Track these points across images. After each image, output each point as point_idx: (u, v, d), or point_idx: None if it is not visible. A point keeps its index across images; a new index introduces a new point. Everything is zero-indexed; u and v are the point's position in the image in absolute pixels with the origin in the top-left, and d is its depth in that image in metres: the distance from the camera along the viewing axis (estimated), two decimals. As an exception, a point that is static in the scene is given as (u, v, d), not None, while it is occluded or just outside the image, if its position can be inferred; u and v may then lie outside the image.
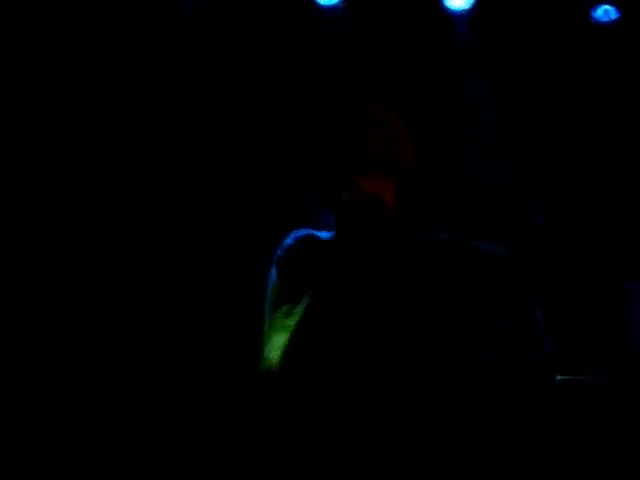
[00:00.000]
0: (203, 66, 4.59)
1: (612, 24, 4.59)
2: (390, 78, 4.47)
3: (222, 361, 4.34)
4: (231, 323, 4.33)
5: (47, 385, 4.31)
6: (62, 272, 4.44)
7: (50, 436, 4.26)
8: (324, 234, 2.07)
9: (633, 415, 3.89)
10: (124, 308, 4.44)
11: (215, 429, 4.29)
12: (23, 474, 4.17)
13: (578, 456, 3.72)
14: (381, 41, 4.57)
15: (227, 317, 4.36)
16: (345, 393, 1.90)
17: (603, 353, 4.29)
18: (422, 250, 2.00)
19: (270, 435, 1.96)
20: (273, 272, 2.04)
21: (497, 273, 2.02)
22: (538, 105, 4.68)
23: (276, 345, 1.91)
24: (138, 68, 4.56)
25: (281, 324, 1.94)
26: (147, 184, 4.58)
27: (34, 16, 4.37)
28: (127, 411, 4.34)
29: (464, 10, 4.51)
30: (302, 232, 2.07)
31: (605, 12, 4.60)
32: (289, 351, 1.87)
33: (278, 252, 2.05)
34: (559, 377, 4.10)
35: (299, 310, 1.90)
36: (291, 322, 1.90)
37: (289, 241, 2.06)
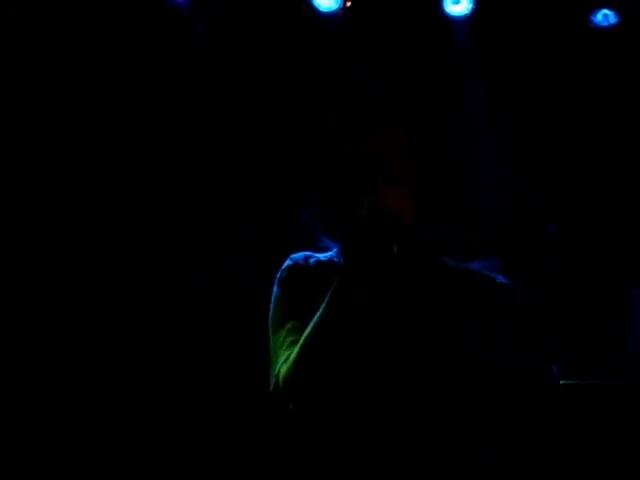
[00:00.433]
0: (205, 69, 4.61)
1: (611, 29, 4.61)
2: (390, 83, 4.48)
3: (222, 361, 4.35)
4: (231, 323, 4.33)
5: (47, 385, 4.32)
6: (61, 272, 4.45)
7: (49, 436, 4.27)
8: (323, 255, 2.04)
9: (633, 417, 3.89)
10: (124, 308, 4.45)
11: (214, 431, 4.28)
12: (23, 474, 4.17)
13: (578, 457, 3.72)
14: (381, 47, 4.59)
15: (227, 317, 4.36)
16: (354, 405, 1.89)
17: (605, 356, 4.29)
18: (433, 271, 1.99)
19: (282, 449, 1.96)
20: (275, 293, 2.02)
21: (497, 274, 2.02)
22: (538, 109, 4.69)
23: (282, 361, 1.89)
24: (138, 67, 4.58)
25: (287, 340, 1.91)
26: (146, 185, 4.60)
27: (34, 16, 4.39)
28: (127, 411, 4.34)
29: (464, 15, 4.53)
30: (302, 253, 2.05)
31: (604, 17, 4.61)
32: (299, 363, 1.84)
33: (278, 274, 2.03)
34: (562, 382, 4.11)
35: (305, 326, 1.85)
36: (298, 337, 1.87)
37: (289, 262, 2.04)
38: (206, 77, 4.61)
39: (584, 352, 4.25)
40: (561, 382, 4.03)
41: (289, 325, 1.94)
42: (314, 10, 4.50)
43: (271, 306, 2.01)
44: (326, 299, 1.83)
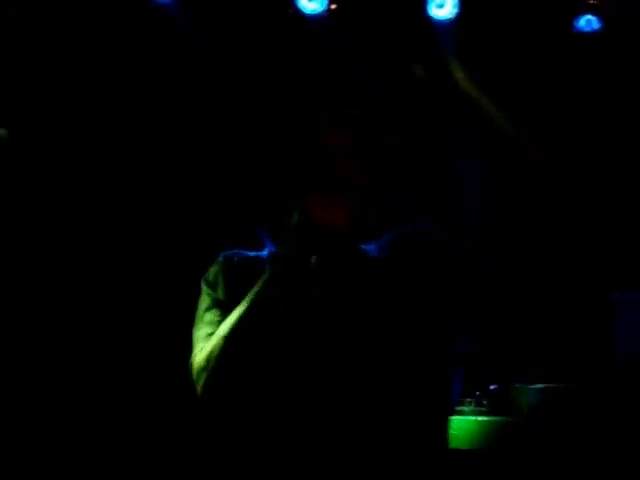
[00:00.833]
0: (191, 68, 4.61)
1: (594, 34, 4.63)
2: (375, 85, 4.49)
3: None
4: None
5: (46, 385, 4.32)
6: (61, 272, 4.45)
7: (49, 436, 4.27)
8: (253, 253, 2.08)
9: (615, 422, 3.93)
10: (123, 308, 4.46)
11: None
12: (23, 474, 4.17)
13: (565, 463, 3.77)
14: (365, 50, 4.60)
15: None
16: (262, 402, 1.92)
17: (587, 361, 4.32)
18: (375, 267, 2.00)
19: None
20: (202, 290, 2.06)
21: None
22: (523, 111, 4.71)
23: (197, 351, 1.93)
24: (137, 65, 4.58)
25: (204, 332, 1.95)
26: (144, 185, 4.61)
27: (34, 16, 4.38)
28: (122, 411, 4.35)
29: (448, 19, 4.54)
30: (233, 251, 2.09)
31: (588, 22, 4.64)
32: (210, 355, 1.88)
33: (207, 271, 2.07)
34: (542, 385, 4.14)
35: (223, 319, 1.91)
36: (214, 330, 1.92)
37: (218, 259, 2.08)
38: (192, 75, 4.61)
39: (568, 359, 4.29)
40: (543, 385, 4.09)
41: (207, 317, 1.99)
42: (299, 12, 4.51)
43: (198, 302, 2.06)
44: (245, 298, 1.89)
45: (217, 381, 1.89)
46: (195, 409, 1.93)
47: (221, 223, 4.48)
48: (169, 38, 4.54)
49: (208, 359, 1.89)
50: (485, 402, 4.18)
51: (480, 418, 4.09)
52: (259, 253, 2.07)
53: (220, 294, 2.00)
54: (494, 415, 4.13)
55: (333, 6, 4.51)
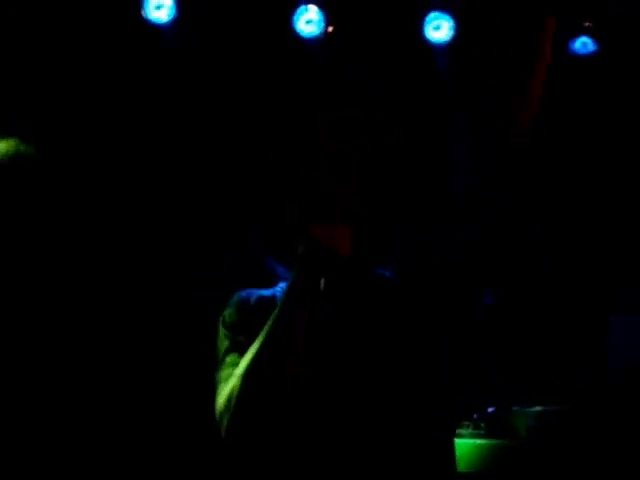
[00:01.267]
0: (197, 76, 4.62)
1: (590, 56, 4.66)
2: (374, 87, 4.50)
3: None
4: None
5: (46, 385, 4.29)
6: (59, 272, 4.43)
7: (49, 436, 4.24)
8: (267, 291, 2.08)
9: (612, 444, 3.92)
10: (121, 308, 4.45)
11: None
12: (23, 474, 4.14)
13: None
14: (362, 71, 4.61)
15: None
16: (285, 443, 1.92)
17: (582, 382, 4.32)
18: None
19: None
20: (219, 331, 2.05)
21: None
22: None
23: (223, 394, 1.91)
24: (136, 65, 4.59)
25: (225, 375, 1.94)
26: (143, 185, 4.61)
27: (34, 16, 4.39)
28: (120, 411, 4.34)
29: (445, 42, 4.56)
30: (247, 290, 2.09)
31: (583, 44, 4.66)
32: (231, 400, 1.87)
33: (223, 312, 2.07)
34: (540, 408, 4.14)
35: (245, 359, 1.90)
36: (237, 371, 1.90)
37: (233, 299, 2.08)
38: (190, 80, 4.63)
39: (564, 381, 4.28)
40: (541, 408, 4.09)
41: (228, 359, 1.97)
42: (296, 35, 4.52)
43: (216, 344, 2.04)
44: (260, 335, 1.88)
45: (240, 421, 1.88)
46: (221, 449, 1.92)
47: (221, 223, 4.49)
48: (166, 55, 4.55)
49: (229, 400, 1.87)
50: (483, 425, 4.17)
51: (478, 441, 4.08)
52: (274, 291, 2.07)
53: (239, 336, 1.99)
54: (492, 438, 4.12)
55: (330, 29, 4.52)
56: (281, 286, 2.06)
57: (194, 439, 4.22)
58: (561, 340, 4.59)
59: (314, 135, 1.92)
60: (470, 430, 4.13)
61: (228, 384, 1.90)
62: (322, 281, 1.92)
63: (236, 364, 1.92)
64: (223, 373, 1.95)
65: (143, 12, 4.47)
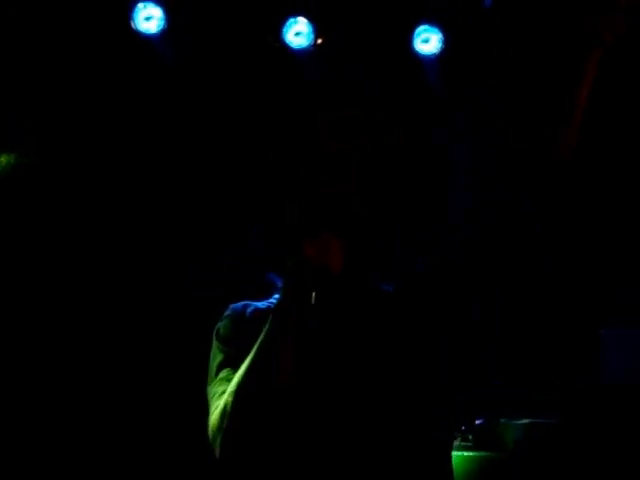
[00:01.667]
0: (192, 79, 4.63)
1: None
2: (374, 87, 4.51)
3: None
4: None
5: (45, 385, 4.27)
6: (59, 271, 4.43)
7: (48, 436, 4.22)
8: (261, 303, 2.06)
9: (601, 457, 3.93)
10: (120, 308, 4.43)
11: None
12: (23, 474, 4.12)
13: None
14: (350, 83, 4.62)
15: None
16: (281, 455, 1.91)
17: (573, 396, 4.32)
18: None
19: None
20: (212, 344, 2.03)
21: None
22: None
23: (216, 412, 1.89)
24: (127, 76, 4.59)
25: (219, 390, 1.92)
26: (142, 186, 4.60)
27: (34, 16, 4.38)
28: (118, 412, 4.32)
29: (433, 55, 4.57)
30: (241, 303, 2.07)
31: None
32: (229, 412, 1.85)
33: (217, 325, 2.04)
34: (528, 420, 4.14)
35: (237, 375, 1.88)
36: (229, 388, 1.88)
37: (227, 312, 2.06)
38: (198, 84, 4.65)
39: (556, 395, 4.29)
40: (528, 421, 4.09)
41: (221, 375, 1.95)
42: (286, 47, 4.53)
43: (209, 358, 2.02)
44: (252, 350, 1.86)
45: (233, 439, 1.86)
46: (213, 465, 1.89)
47: (221, 223, 4.49)
48: (158, 67, 4.56)
49: (222, 417, 1.85)
50: (471, 437, 4.16)
51: (466, 453, 4.08)
52: (269, 302, 2.05)
53: (233, 349, 1.96)
54: (480, 450, 4.11)
55: (319, 40, 4.53)
56: (276, 297, 2.03)
57: (191, 442, 4.20)
58: (561, 340, 4.59)
59: (314, 135, 1.92)
60: (458, 442, 4.13)
61: (221, 400, 1.88)
62: (313, 295, 1.89)
63: (229, 379, 1.90)
64: (216, 389, 1.93)
65: (133, 23, 4.48)
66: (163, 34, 4.52)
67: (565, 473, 3.94)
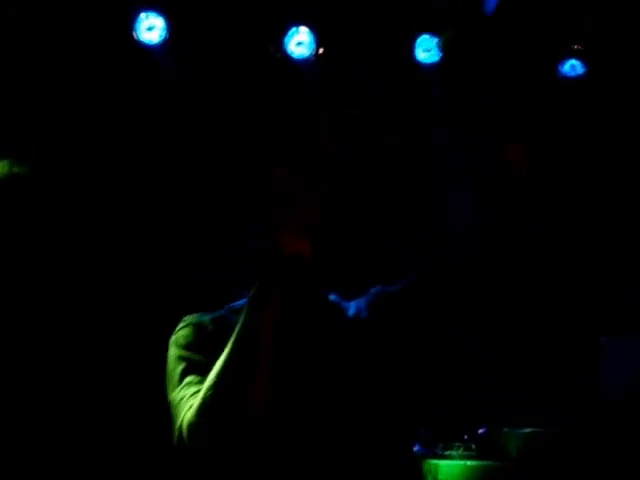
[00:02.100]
0: (193, 87, 4.65)
1: (579, 78, 4.70)
2: (374, 87, 4.52)
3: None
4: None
5: (45, 385, 4.27)
6: (59, 272, 4.43)
7: (48, 436, 4.21)
8: (213, 314, 2.07)
9: (597, 464, 3.92)
10: (120, 308, 4.43)
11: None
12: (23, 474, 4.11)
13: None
14: (352, 93, 4.63)
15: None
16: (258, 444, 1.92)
17: (573, 404, 4.32)
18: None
19: None
20: (170, 354, 2.03)
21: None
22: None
23: (185, 410, 1.89)
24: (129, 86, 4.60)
25: (189, 392, 1.92)
26: (143, 188, 4.61)
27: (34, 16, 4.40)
28: (118, 412, 4.32)
29: (434, 63, 4.58)
30: (194, 315, 2.08)
31: (572, 67, 4.70)
32: (205, 405, 1.85)
33: (172, 336, 2.05)
34: (530, 429, 4.13)
35: (204, 379, 1.89)
36: (199, 387, 1.89)
37: (181, 324, 2.07)
38: (197, 89, 4.66)
39: (555, 403, 4.28)
40: (531, 430, 4.08)
41: (188, 379, 1.95)
42: (287, 57, 4.54)
43: (167, 367, 2.02)
44: (227, 345, 1.87)
45: (212, 432, 1.85)
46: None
47: (221, 223, 4.49)
48: (160, 76, 4.58)
49: (199, 414, 1.84)
50: (473, 446, 4.16)
51: (469, 462, 4.07)
52: (217, 314, 2.06)
53: (198, 356, 1.96)
54: (482, 459, 4.10)
55: (321, 50, 4.54)
56: (225, 309, 2.08)
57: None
58: (560, 340, 4.58)
59: (314, 135, 1.93)
60: (460, 451, 4.12)
61: (194, 400, 1.88)
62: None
63: (197, 383, 1.90)
64: (184, 392, 1.92)
65: (135, 34, 4.50)
66: (165, 44, 4.54)
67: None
